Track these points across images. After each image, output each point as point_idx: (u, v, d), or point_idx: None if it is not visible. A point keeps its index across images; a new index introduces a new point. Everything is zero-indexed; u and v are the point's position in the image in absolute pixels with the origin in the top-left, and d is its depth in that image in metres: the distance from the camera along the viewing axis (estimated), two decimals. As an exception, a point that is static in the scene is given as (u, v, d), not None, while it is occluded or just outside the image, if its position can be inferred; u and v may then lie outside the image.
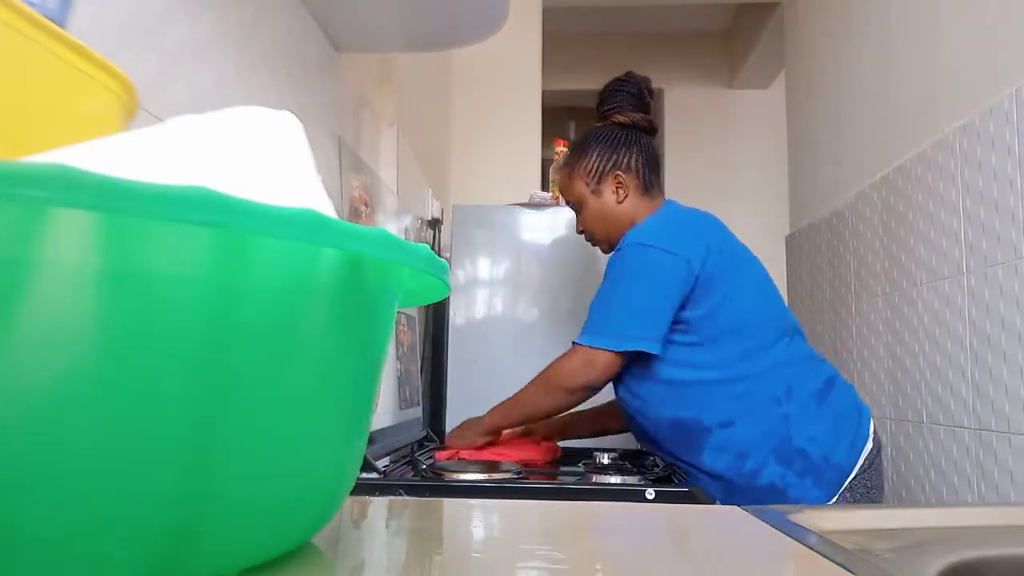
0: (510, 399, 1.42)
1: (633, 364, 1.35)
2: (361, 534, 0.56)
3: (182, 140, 0.37)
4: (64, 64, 0.46)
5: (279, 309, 0.33)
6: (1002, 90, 1.50)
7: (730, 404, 1.31)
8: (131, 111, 0.53)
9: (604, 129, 1.48)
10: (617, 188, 1.44)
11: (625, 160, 1.45)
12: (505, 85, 3.14)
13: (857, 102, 2.27)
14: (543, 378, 1.37)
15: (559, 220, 2.25)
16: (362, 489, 1.01)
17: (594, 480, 1.24)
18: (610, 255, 1.40)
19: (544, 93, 3.26)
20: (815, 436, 1.28)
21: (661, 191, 1.49)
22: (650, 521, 0.66)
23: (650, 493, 1.07)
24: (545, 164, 2.78)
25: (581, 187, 1.46)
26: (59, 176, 0.24)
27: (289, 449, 0.36)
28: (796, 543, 0.52)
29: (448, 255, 2.33)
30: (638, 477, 1.27)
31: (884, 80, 2.09)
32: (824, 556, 0.47)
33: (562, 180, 1.51)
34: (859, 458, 1.29)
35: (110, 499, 0.28)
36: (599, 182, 1.45)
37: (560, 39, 4.08)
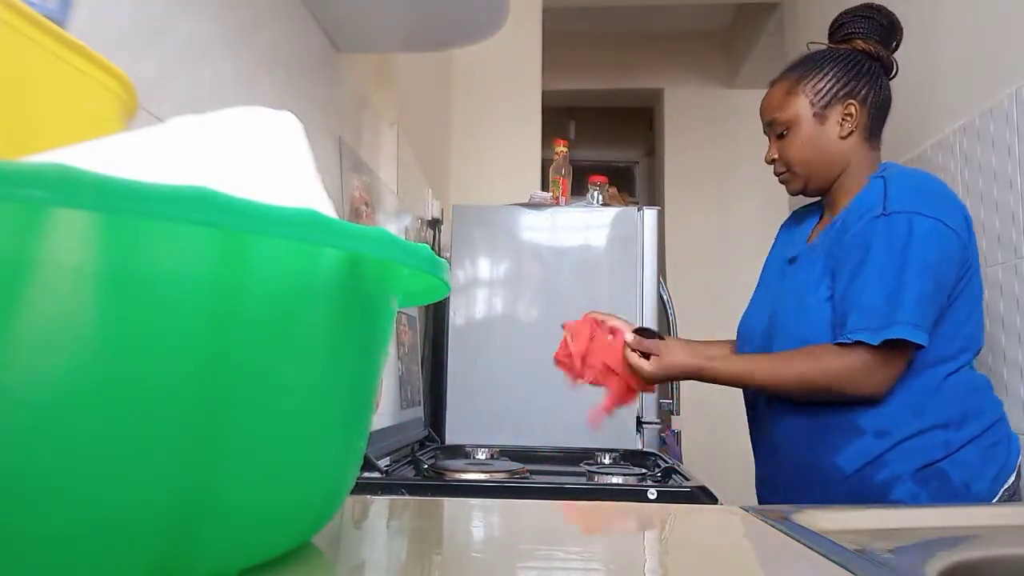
0: (754, 359, 1.16)
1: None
2: (362, 534, 0.56)
3: (182, 140, 0.37)
4: (64, 64, 0.46)
5: (279, 309, 0.33)
6: (1002, 90, 1.50)
7: (897, 415, 1.12)
8: (131, 111, 0.53)
9: (846, 52, 1.25)
10: (844, 120, 1.22)
11: (863, 91, 1.22)
12: (505, 85, 3.14)
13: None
14: (820, 374, 1.10)
15: (559, 220, 2.25)
16: (363, 489, 1.01)
17: (596, 480, 1.24)
18: (875, 219, 1.12)
19: (544, 93, 3.26)
20: (963, 462, 1.12)
21: (881, 143, 1.28)
22: (651, 521, 0.66)
23: (652, 493, 1.07)
24: (545, 164, 2.78)
25: (802, 105, 1.22)
26: (59, 176, 0.24)
27: (289, 449, 0.36)
28: (796, 543, 0.52)
29: (448, 255, 2.33)
30: (640, 477, 1.27)
31: (884, 80, 2.09)
32: (824, 556, 0.47)
33: (775, 94, 1.26)
34: (1000, 490, 1.14)
35: (110, 499, 0.28)
36: (827, 107, 1.22)
37: (560, 39, 4.08)
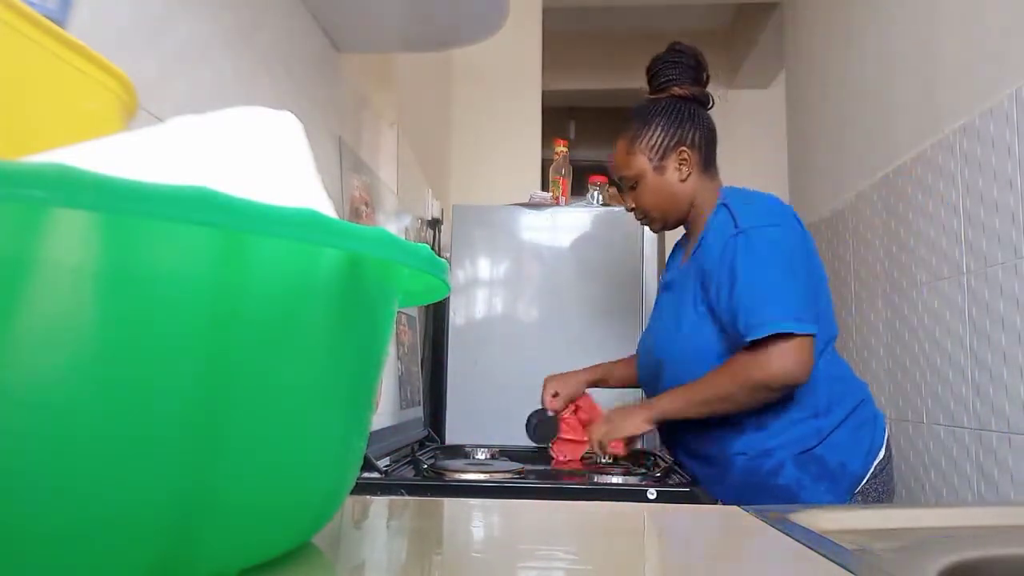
0: (688, 388, 1.27)
1: (708, 343, 1.29)
2: (362, 534, 0.56)
3: (182, 140, 0.37)
4: (64, 64, 0.46)
5: (279, 309, 0.33)
6: (1002, 90, 1.50)
7: (770, 408, 1.26)
8: (131, 111, 0.53)
9: (665, 102, 1.39)
10: (680, 165, 1.36)
11: (690, 136, 1.37)
12: (505, 85, 3.14)
13: (857, 102, 2.27)
14: (739, 371, 1.21)
15: (559, 220, 2.25)
16: (363, 489, 1.01)
17: (595, 480, 1.24)
18: (733, 238, 1.26)
19: (544, 93, 3.26)
20: (836, 444, 1.27)
21: (717, 170, 1.42)
22: (651, 521, 0.66)
23: (651, 493, 1.07)
24: (545, 164, 2.78)
25: (642, 162, 1.37)
26: (59, 176, 0.24)
27: (289, 449, 0.36)
28: (796, 543, 0.52)
29: (448, 255, 2.33)
30: (639, 477, 1.27)
31: (884, 80, 2.09)
32: (824, 556, 0.47)
33: (619, 155, 1.40)
34: (872, 464, 1.28)
35: (110, 498, 0.28)
36: (663, 158, 1.36)
37: (560, 39, 4.08)
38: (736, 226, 1.27)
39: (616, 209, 2.26)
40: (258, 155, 0.39)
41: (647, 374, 1.45)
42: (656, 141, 1.36)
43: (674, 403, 1.28)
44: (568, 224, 2.24)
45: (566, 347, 2.13)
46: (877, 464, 1.28)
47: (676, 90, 1.40)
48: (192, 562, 0.32)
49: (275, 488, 0.35)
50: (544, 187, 2.50)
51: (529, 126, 3.16)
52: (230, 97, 1.04)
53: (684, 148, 1.36)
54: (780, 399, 1.24)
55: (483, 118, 3.12)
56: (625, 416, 1.33)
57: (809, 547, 0.50)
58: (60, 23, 0.48)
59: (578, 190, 2.47)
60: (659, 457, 1.52)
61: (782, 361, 1.18)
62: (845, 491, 1.26)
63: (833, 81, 2.50)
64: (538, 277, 2.22)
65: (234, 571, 0.36)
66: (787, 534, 0.55)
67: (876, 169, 2.12)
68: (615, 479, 1.24)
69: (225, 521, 0.33)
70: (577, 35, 4.41)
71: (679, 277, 1.40)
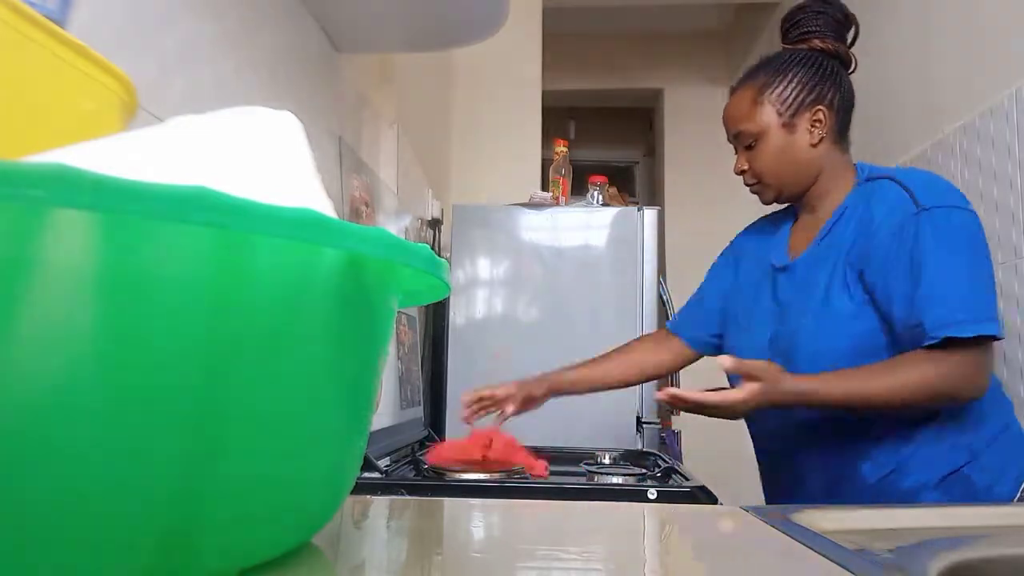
0: (851, 377, 1.03)
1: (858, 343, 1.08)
2: (362, 534, 0.56)
3: (182, 140, 0.37)
4: (64, 64, 0.46)
5: (279, 309, 0.33)
6: (1002, 90, 1.50)
7: (915, 420, 1.08)
8: (131, 111, 0.53)
9: (806, 53, 1.20)
10: (814, 126, 1.17)
11: (829, 95, 1.18)
12: (505, 85, 3.14)
13: (857, 102, 2.26)
14: (921, 377, 1.00)
15: (559, 220, 2.25)
16: (363, 489, 1.01)
17: (595, 480, 1.24)
18: (915, 216, 1.05)
19: (544, 93, 3.26)
20: (987, 466, 1.08)
21: (850, 143, 1.24)
22: (651, 521, 0.66)
23: (652, 493, 1.07)
24: (545, 164, 2.78)
25: (769, 116, 1.17)
26: (59, 176, 0.24)
27: (289, 449, 0.36)
28: (796, 543, 0.52)
29: (448, 255, 2.33)
30: (640, 477, 1.27)
31: (884, 80, 2.09)
32: (824, 556, 0.47)
33: (739, 105, 1.21)
34: (1020, 488, 1.10)
35: (110, 499, 0.28)
36: (795, 114, 1.17)
37: (560, 39, 4.08)
38: (917, 203, 1.06)
39: (616, 209, 2.26)
40: (258, 155, 0.39)
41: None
42: (790, 94, 1.17)
43: (833, 388, 1.02)
44: (568, 224, 2.24)
45: (566, 347, 2.13)
46: (1023, 490, 1.10)
47: (817, 43, 1.21)
48: (192, 562, 0.32)
49: (275, 488, 0.35)
50: (544, 187, 2.50)
51: (529, 126, 3.16)
52: (230, 97, 1.04)
53: (821, 108, 1.17)
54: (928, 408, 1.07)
55: (483, 118, 3.12)
56: (776, 384, 1.03)
57: (809, 547, 0.50)
58: (60, 23, 0.48)
59: (578, 190, 2.47)
60: (659, 457, 1.53)
61: (973, 372, 1.00)
62: None
63: (833, 81, 2.50)
64: (538, 277, 2.22)
65: (234, 571, 0.36)
66: (787, 534, 0.55)
67: (876, 169, 2.11)
68: (615, 479, 1.24)
69: (225, 521, 0.33)
70: (577, 35, 4.41)
71: (809, 260, 1.17)
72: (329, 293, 0.36)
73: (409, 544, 0.55)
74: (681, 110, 4.50)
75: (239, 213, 0.28)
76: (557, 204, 2.33)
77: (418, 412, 1.98)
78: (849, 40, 1.25)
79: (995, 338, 1.00)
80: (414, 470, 1.30)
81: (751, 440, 1.30)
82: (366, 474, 1.15)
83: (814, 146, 1.17)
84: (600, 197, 2.36)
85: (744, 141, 1.20)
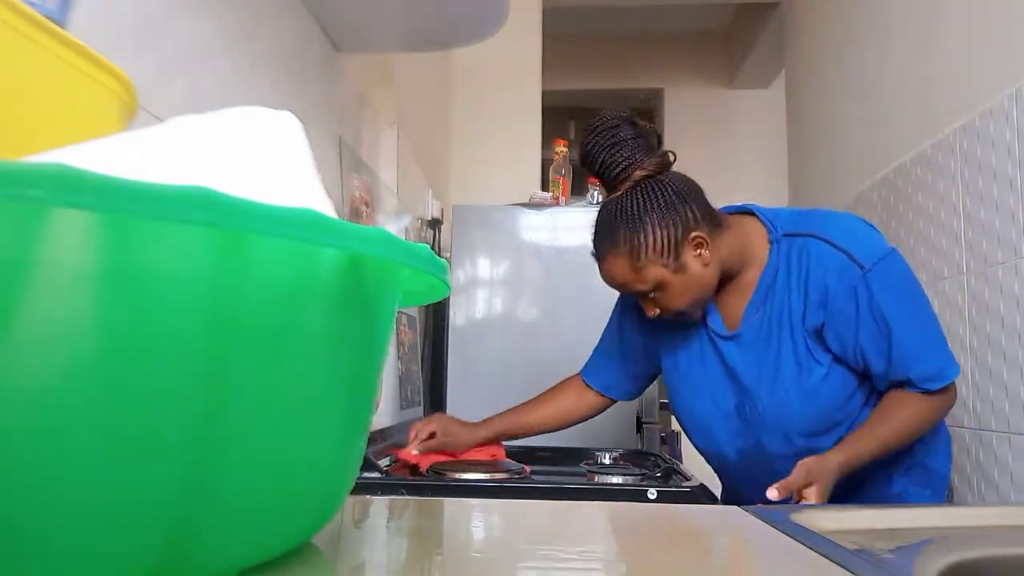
0: (874, 430, 1.11)
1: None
2: (362, 534, 0.56)
3: (182, 140, 0.37)
4: (64, 64, 0.46)
5: (279, 309, 0.33)
6: (1002, 90, 1.50)
7: (896, 458, 1.17)
8: (131, 111, 0.53)
9: (640, 191, 1.14)
10: (698, 251, 1.14)
11: (688, 213, 1.13)
12: (505, 85, 3.14)
13: (857, 102, 2.27)
14: (925, 414, 1.12)
15: (559, 220, 2.25)
16: (363, 488, 1.01)
17: (596, 480, 1.24)
18: (863, 279, 1.11)
19: (544, 93, 3.26)
20: (931, 448, 1.20)
21: (721, 214, 1.21)
22: (652, 521, 0.66)
23: (652, 493, 1.07)
24: (545, 164, 2.78)
25: (656, 271, 1.13)
26: (59, 176, 0.24)
27: (289, 449, 0.36)
28: (796, 543, 0.52)
29: (448, 255, 2.33)
30: (640, 477, 1.27)
31: (884, 80, 2.09)
32: (824, 556, 0.47)
33: (618, 272, 1.16)
34: (950, 464, 1.24)
35: (110, 499, 0.28)
36: (677, 256, 1.13)
37: (560, 39, 4.08)
38: (860, 265, 1.10)
39: (616, 209, 2.26)
40: (258, 155, 0.39)
41: (724, 438, 1.25)
42: (661, 242, 1.12)
43: (862, 450, 1.08)
44: (568, 224, 2.24)
45: (566, 347, 2.13)
46: (951, 461, 1.25)
47: (639, 173, 1.14)
48: (192, 562, 0.32)
49: (275, 488, 0.35)
50: (544, 187, 2.50)
51: (529, 126, 3.16)
52: (230, 97, 1.04)
53: (693, 232, 1.13)
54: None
55: (483, 118, 3.12)
56: (824, 467, 1.06)
57: (809, 547, 0.50)
58: (60, 23, 0.48)
59: (578, 190, 2.47)
60: (659, 457, 1.53)
61: (951, 400, 1.15)
62: (942, 492, 1.22)
63: (833, 81, 2.50)
64: (538, 277, 2.22)
65: (234, 571, 0.36)
66: (787, 534, 0.55)
67: (876, 169, 2.11)
68: (615, 479, 1.24)
69: (225, 521, 0.33)
70: (577, 35, 4.41)
71: (757, 328, 1.19)
72: (329, 293, 0.36)
73: (409, 544, 0.55)
74: (681, 110, 4.51)
75: (239, 213, 0.28)
76: (557, 204, 2.33)
77: (418, 412, 1.98)
78: (656, 142, 1.19)
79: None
80: (414, 470, 1.30)
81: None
82: (366, 474, 1.15)
83: (708, 265, 1.15)
84: (600, 197, 2.35)
85: (645, 294, 1.17)
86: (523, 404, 1.44)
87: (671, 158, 1.18)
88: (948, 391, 1.13)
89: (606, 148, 1.15)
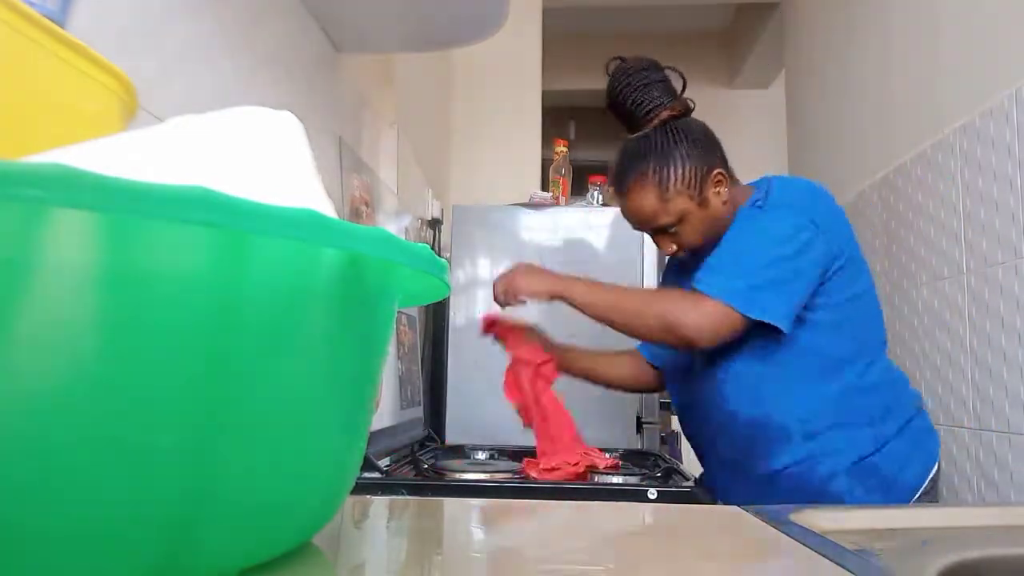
0: (607, 287, 1.22)
1: (749, 338, 1.16)
2: (362, 534, 0.56)
3: (182, 140, 0.37)
4: (64, 64, 0.46)
5: (279, 309, 0.33)
6: (1002, 90, 1.50)
7: (826, 412, 1.17)
8: (131, 111, 0.53)
9: (667, 129, 1.22)
10: (718, 188, 1.22)
11: (713, 153, 1.23)
12: (505, 85, 3.14)
13: (857, 102, 2.27)
14: (661, 303, 1.17)
15: (559, 220, 2.25)
16: (363, 488, 1.01)
17: (595, 480, 1.24)
18: (748, 208, 1.20)
19: (544, 93, 3.26)
20: (893, 453, 1.17)
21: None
22: (652, 521, 0.66)
23: (652, 493, 1.07)
24: (545, 164, 2.78)
25: (683, 202, 1.20)
26: (59, 176, 0.24)
27: (289, 448, 0.36)
28: (796, 543, 0.52)
29: (448, 255, 2.33)
30: (640, 477, 1.27)
31: (884, 80, 2.09)
32: (824, 556, 0.47)
33: (643, 202, 1.22)
34: (927, 479, 1.19)
35: (110, 499, 0.28)
36: (702, 190, 1.20)
37: (560, 39, 4.08)
38: (758, 203, 1.20)
39: (616, 209, 2.26)
40: (258, 155, 0.39)
41: (679, 391, 1.34)
42: (690, 175, 1.20)
43: (588, 292, 1.22)
44: (568, 224, 2.24)
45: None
46: (930, 480, 1.19)
47: (667, 114, 1.24)
48: (192, 562, 0.32)
49: (275, 488, 0.35)
50: (544, 187, 2.50)
51: (529, 126, 3.16)
52: (230, 97, 1.04)
53: (716, 170, 1.21)
54: (833, 404, 1.16)
55: (483, 118, 3.12)
56: (530, 272, 1.28)
57: (809, 547, 0.50)
58: (60, 23, 0.48)
59: (578, 190, 2.47)
60: (659, 457, 1.53)
61: (700, 318, 1.12)
62: (901, 503, 1.18)
63: (833, 81, 2.50)
64: (538, 277, 2.21)
65: (234, 571, 0.36)
66: (787, 534, 0.55)
67: (876, 169, 2.11)
68: (615, 479, 1.24)
69: (225, 521, 0.33)
70: (577, 35, 4.41)
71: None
72: (329, 293, 0.36)
73: (409, 544, 0.55)
74: (681, 110, 4.50)
75: (239, 213, 0.28)
76: (557, 204, 2.33)
77: (418, 412, 1.98)
78: (680, 89, 1.28)
79: (737, 312, 1.12)
80: (414, 470, 1.30)
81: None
82: (366, 474, 1.15)
83: (726, 203, 1.23)
84: (600, 197, 2.36)
85: (664, 228, 1.23)
86: (603, 355, 1.48)
87: (692, 104, 1.26)
88: (703, 306, 1.11)
89: (638, 88, 1.24)
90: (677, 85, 1.28)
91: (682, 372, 1.32)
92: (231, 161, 0.37)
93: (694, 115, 1.28)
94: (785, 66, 3.11)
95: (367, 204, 1.65)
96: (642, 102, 1.24)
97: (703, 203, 1.21)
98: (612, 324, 1.21)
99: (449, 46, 1.69)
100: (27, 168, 0.24)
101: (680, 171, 1.20)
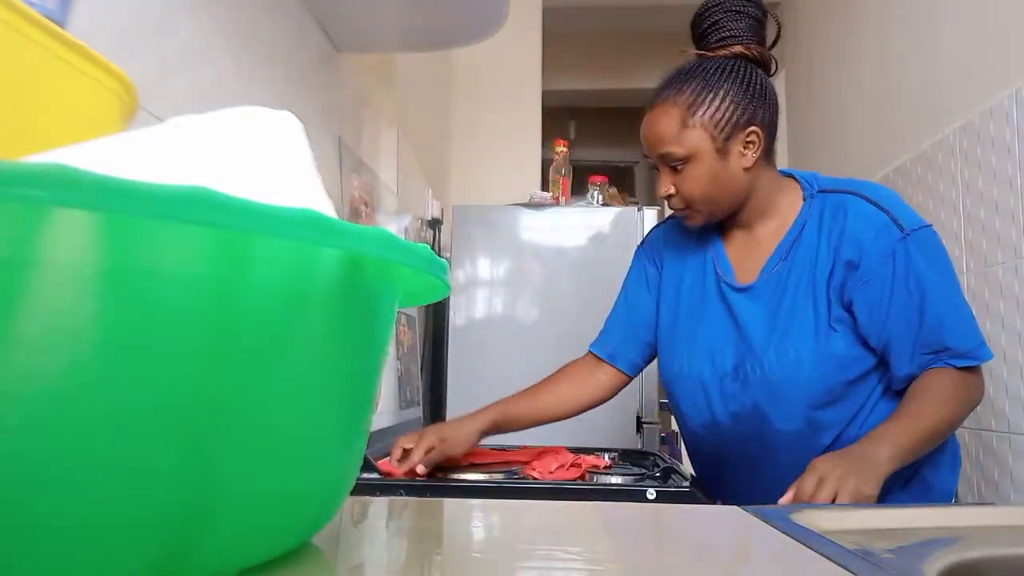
0: (912, 418, 0.98)
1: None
2: (361, 534, 0.56)
3: (182, 140, 0.37)
4: (64, 64, 0.46)
5: (279, 309, 0.33)
6: (1002, 90, 1.50)
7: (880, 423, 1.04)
8: (131, 111, 0.53)
9: (732, 64, 1.09)
10: (746, 149, 1.08)
11: (761, 113, 1.08)
12: (505, 85, 3.14)
13: (857, 102, 2.27)
14: (967, 395, 1.02)
15: (559, 220, 2.25)
16: (363, 489, 1.01)
17: (595, 480, 1.24)
18: (902, 242, 1.03)
19: (544, 93, 3.26)
20: (935, 462, 1.09)
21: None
22: (651, 521, 0.66)
23: (651, 493, 1.07)
24: (545, 164, 2.78)
25: (701, 140, 1.07)
26: (59, 176, 0.24)
27: (289, 449, 0.36)
28: (796, 543, 0.52)
29: (448, 255, 2.34)
30: (639, 477, 1.27)
31: (884, 80, 2.09)
32: (824, 556, 0.47)
33: (664, 122, 1.09)
34: (957, 479, 1.14)
35: (110, 499, 0.28)
36: (728, 138, 1.07)
37: (560, 39, 4.08)
38: (901, 228, 1.03)
39: (616, 209, 2.26)
40: (258, 155, 0.39)
41: (718, 402, 1.16)
42: (723, 115, 1.06)
43: (910, 440, 0.96)
44: (568, 224, 2.24)
45: (566, 347, 2.13)
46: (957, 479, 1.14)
47: (741, 49, 1.10)
48: (192, 562, 0.32)
49: (275, 488, 0.35)
50: (544, 187, 2.50)
51: (529, 126, 3.16)
52: (230, 97, 1.04)
53: (754, 128, 1.07)
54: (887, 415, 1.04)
55: (483, 118, 3.12)
56: (864, 463, 0.91)
57: (809, 547, 0.50)
58: (60, 23, 0.48)
59: (578, 190, 2.48)
60: (659, 457, 1.53)
61: (981, 389, 1.05)
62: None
63: (833, 81, 2.50)
64: (538, 277, 2.22)
65: (234, 571, 0.36)
66: (787, 534, 0.55)
67: (875, 169, 2.11)
68: (615, 479, 1.24)
69: (225, 521, 0.33)
70: (577, 35, 4.40)
71: (774, 282, 1.11)
72: (329, 293, 0.36)
73: (409, 544, 0.55)
74: (681, 110, 4.50)
75: (239, 213, 0.28)
76: (557, 204, 2.33)
77: (418, 412, 1.98)
78: (770, 41, 1.14)
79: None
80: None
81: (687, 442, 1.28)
82: (366, 474, 1.15)
83: (747, 170, 1.09)
84: (600, 197, 2.36)
85: (669, 162, 1.09)
86: (525, 390, 1.31)
87: (774, 60, 1.13)
88: (979, 376, 1.03)
89: (729, 12, 1.12)
90: (770, 36, 1.14)
91: (731, 400, 1.15)
92: (231, 161, 0.37)
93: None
94: (785, 66, 3.11)
95: (367, 204, 1.65)
96: (724, 27, 1.11)
97: (722, 152, 1.07)
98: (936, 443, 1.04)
99: (449, 46, 1.69)
100: (27, 168, 0.24)
101: (715, 106, 1.07)
